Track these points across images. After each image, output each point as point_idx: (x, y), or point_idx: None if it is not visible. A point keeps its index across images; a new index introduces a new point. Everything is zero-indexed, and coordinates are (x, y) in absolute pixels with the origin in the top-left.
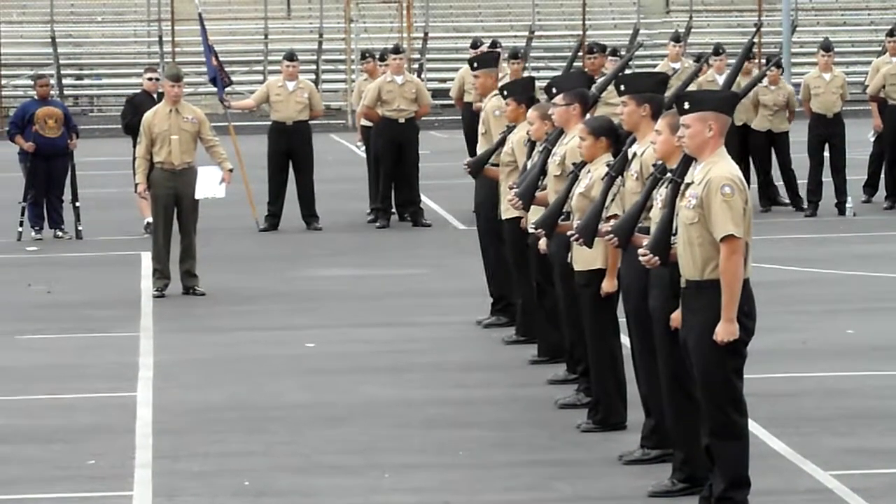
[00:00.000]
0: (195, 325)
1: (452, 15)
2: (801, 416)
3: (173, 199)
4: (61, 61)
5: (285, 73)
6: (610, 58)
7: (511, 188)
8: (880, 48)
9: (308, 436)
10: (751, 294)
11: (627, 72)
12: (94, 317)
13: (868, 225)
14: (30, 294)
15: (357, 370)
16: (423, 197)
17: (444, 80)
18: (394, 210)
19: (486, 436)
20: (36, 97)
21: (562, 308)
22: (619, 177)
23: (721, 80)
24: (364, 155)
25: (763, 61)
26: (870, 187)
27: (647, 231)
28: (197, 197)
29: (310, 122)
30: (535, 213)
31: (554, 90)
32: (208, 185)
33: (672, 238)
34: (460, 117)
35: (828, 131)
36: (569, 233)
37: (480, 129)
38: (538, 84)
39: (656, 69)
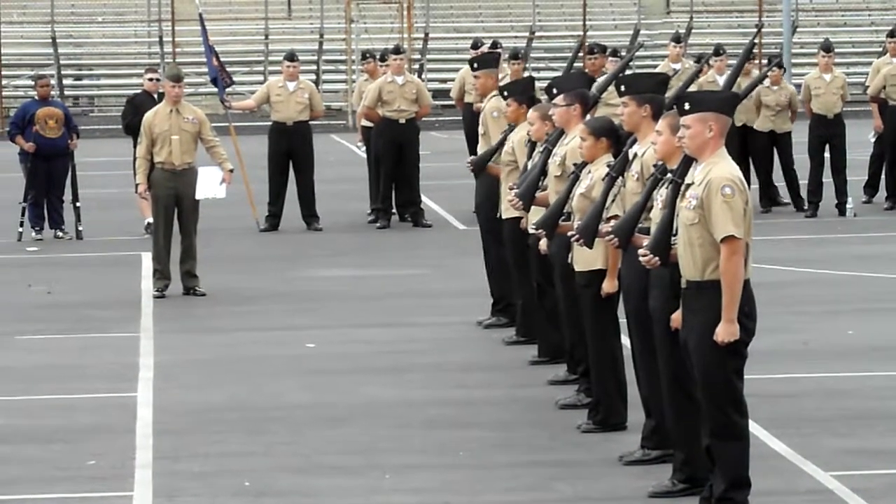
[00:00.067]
0: (195, 326)
1: (453, 15)
2: (802, 417)
3: (174, 200)
4: (62, 61)
5: (286, 74)
6: (610, 58)
7: (511, 188)
8: (881, 49)
9: (308, 436)
10: (751, 295)
11: (628, 72)
12: (95, 317)
13: (868, 226)
14: (30, 294)
15: (357, 371)
16: (423, 197)
17: (444, 81)
18: (394, 210)
19: (486, 436)
20: (36, 97)
21: (562, 309)
22: (620, 177)
23: (721, 80)
24: (364, 155)
25: (764, 62)
26: (870, 188)
27: (647, 232)
28: (197, 197)
29: (310, 122)
30: (536, 214)
31: (554, 91)
32: (209, 185)
33: (672, 238)
34: (461, 118)
35: (828, 132)
36: (569, 233)
37: (480, 129)
38: (538, 84)
39: (657, 70)
